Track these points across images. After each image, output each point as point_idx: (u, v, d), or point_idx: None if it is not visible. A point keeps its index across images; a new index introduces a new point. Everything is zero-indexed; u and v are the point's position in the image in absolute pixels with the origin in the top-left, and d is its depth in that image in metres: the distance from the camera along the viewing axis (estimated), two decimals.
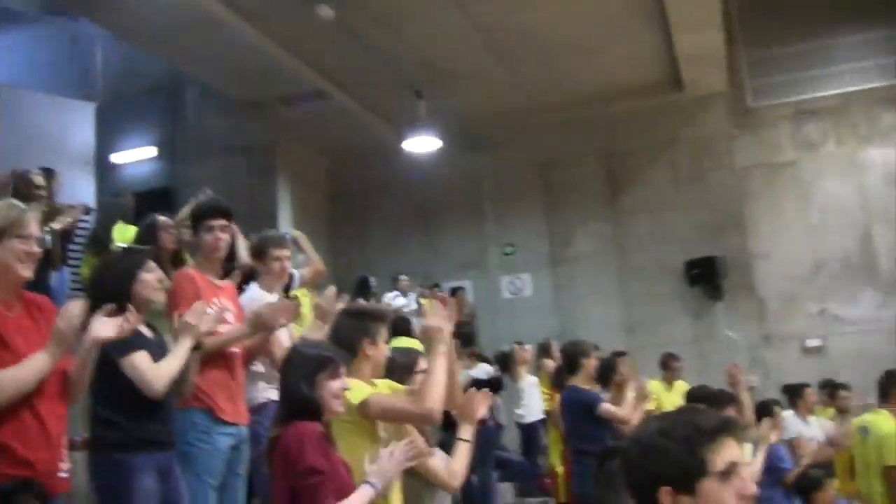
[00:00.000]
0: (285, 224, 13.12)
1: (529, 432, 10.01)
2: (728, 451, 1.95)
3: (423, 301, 10.77)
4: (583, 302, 13.91)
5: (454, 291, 12.60)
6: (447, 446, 4.14)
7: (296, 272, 6.05)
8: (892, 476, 6.45)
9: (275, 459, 3.22)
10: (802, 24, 13.68)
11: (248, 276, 5.56)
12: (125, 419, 3.82)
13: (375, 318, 3.89)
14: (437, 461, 3.94)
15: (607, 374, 7.20)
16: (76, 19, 12.50)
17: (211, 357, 4.38)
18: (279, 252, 5.39)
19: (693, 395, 6.41)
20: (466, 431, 4.00)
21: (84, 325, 3.28)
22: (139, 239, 6.34)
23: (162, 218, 6.50)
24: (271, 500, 3.35)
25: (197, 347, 4.05)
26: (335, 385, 3.29)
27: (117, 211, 7.56)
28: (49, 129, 11.46)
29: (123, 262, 4.06)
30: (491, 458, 8.99)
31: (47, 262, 6.54)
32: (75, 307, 3.23)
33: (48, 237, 6.64)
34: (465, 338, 9.50)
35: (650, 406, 7.16)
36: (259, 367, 5.03)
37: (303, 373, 3.27)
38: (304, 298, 6.36)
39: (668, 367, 9.60)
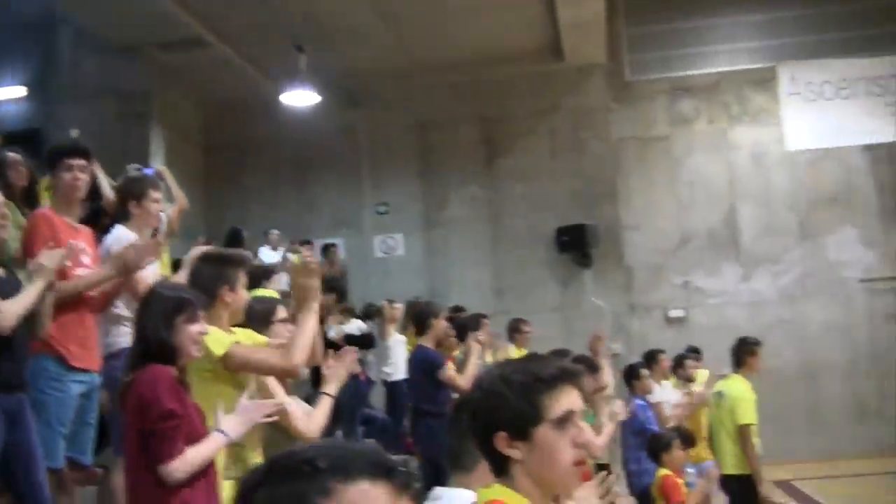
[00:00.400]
0: None
1: (395, 390, 10.04)
2: (566, 399, 1.97)
3: (292, 256, 10.62)
4: (455, 264, 14.00)
5: (326, 248, 12.54)
6: (313, 401, 4.13)
7: (163, 214, 5.89)
8: (744, 433, 6.80)
9: (128, 403, 3.16)
10: (682, 3, 14.01)
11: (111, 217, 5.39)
12: None
13: (234, 264, 3.83)
14: (297, 411, 3.92)
15: (462, 334, 7.46)
16: None
17: (64, 302, 4.24)
18: (157, 194, 5.22)
19: None
20: (331, 387, 3.99)
21: None
22: None
23: (11, 154, 6.22)
24: (123, 444, 3.29)
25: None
26: (193, 329, 3.24)
27: None
28: None
29: None
30: (359, 413, 9.01)
31: None
32: None
33: None
34: (339, 293, 9.48)
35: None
36: (123, 309, 4.77)
37: (161, 314, 3.22)
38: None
39: (519, 331, 9.71)
